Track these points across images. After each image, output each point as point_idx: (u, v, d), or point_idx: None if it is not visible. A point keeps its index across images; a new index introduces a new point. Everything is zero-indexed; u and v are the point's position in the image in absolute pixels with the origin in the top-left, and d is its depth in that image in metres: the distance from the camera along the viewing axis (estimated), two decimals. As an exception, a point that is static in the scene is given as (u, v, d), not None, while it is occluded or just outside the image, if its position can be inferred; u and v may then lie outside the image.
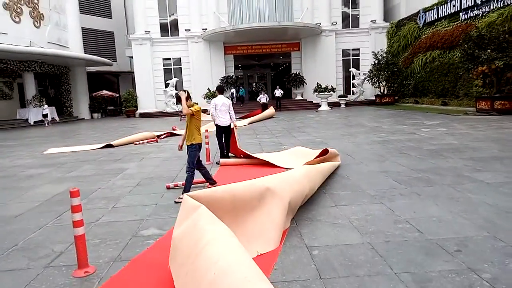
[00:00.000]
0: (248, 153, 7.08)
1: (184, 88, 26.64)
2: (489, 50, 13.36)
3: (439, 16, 20.70)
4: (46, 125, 21.28)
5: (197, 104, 5.21)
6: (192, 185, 4.95)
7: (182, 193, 4.48)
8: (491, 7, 16.33)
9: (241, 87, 27.94)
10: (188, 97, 4.90)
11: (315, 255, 3.00)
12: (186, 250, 2.61)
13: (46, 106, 21.93)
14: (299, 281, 2.60)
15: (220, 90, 7.61)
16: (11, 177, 6.91)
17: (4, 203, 5.09)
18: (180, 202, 4.28)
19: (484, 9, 16.89)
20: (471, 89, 17.58)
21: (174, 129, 13.22)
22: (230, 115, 7.26)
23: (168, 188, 5.43)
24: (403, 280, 2.54)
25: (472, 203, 4.06)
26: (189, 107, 4.83)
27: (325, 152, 5.75)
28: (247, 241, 3.05)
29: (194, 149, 4.91)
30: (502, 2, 15.63)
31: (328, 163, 5.38)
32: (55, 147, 10.93)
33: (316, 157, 5.83)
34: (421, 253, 2.94)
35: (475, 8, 17.54)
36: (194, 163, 4.91)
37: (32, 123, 22.05)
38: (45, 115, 21.54)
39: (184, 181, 4.89)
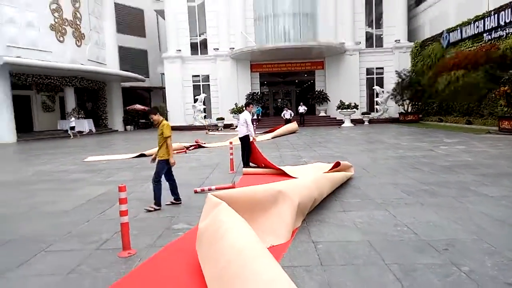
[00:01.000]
0: (270, 162, 7.67)
1: (212, 103, 27.82)
2: (511, 71, 13.42)
3: (463, 37, 20.81)
4: (72, 137, 21.82)
5: (165, 120, 5.41)
6: (219, 189, 5.55)
7: (154, 203, 5.10)
8: (516, 28, 16.37)
9: (258, 106, 27.02)
10: (157, 112, 5.32)
11: (319, 248, 3.51)
12: (209, 237, 3.20)
13: (73, 118, 22.66)
14: (303, 266, 3.13)
15: (246, 105, 8.52)
16: (58, 181, 7.80)
17: (55, 201, 5.89)
18: (150, 210, 5.02)
19: (508, 30, 16.92)
20: (496, 109, 17.47)
21: (196, 142, 14.01)
22: (248, 128, 8.01)
23: (195, 192, 6.08)
24: (392, 269, 3.01)
25: (469, 212, 4.44)
26: (157, 122, 5.22)
27: (337, 164, 6.24)
28: (261, 235, 3.60)
29: (160, 164, 5.21)
30: (526, 23, 15.67)
31: (339, 173, 5.87)
32: (94, 156, 11.93)
33: (330, 169, 6.32)
34: (413, 250, 3.39)
35: (499, 29, 17.60)
36: (158, 176, 5.17)
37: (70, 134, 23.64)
38: (72, 127, 22.17)
39: (210, 186, 5.50)
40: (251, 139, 8.12)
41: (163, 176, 5.29)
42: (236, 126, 24.88)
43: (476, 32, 19.76)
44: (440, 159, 8.67)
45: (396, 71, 25.31)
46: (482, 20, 19.17)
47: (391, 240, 3.63)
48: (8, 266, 3.34)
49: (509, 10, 16.86)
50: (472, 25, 20.02)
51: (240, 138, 8.17)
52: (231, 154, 8.25)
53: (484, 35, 19.10)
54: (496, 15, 17.93)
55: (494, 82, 14.50)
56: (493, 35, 18.38)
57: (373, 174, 7.13)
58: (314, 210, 4.65)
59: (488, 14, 18.68)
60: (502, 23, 17.53)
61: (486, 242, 3.48)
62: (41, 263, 3.39)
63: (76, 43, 24.41)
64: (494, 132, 14.80)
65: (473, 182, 6.06)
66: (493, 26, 18.21)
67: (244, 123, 8.09)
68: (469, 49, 20.38)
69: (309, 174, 6.62)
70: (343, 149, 11.53)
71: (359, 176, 6.91)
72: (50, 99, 26.57)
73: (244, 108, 8.63)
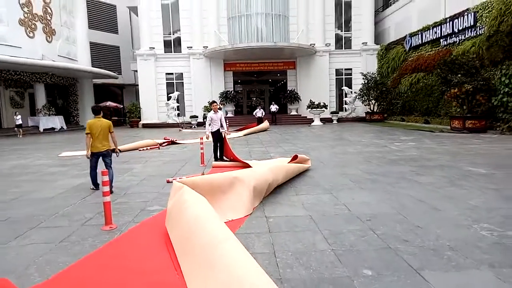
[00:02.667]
0: (236, 156, 8.42)
1: (186, 101, 28.13)
2: (459, 75, 14.83)
3: (423, 41, 22.35)
4: (19, 136, 20.35)
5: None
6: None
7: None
8: (466, 36, 17.92)
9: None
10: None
11: (270, 221, 4.30)
12: (174, 214, 3.94)
13: (19, 116, 20.87)
14: (255, 233, 3.90)
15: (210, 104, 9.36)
16: (37, 173, 8.21)
17: (38, 190, 6.39)
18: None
19: (460, 37, 18.49)
20: (451, 109, 19.02)
21: (165, 139, 14.51)
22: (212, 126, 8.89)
23: (168, 182, 6.73)
24: (323, 233, 3.83)
25: (398, 194, 5.37)
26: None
27: (295, 157, 7.09)
28: (221, 212, 4.35)
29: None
30: (475, 31, 17.23)
31: (294, 164, 6.71)
32: (68, 151, 12.25)
33: (289, 162, 7.15)
34: (343, 221, 4.24)
35: (453, 35, 19.16)
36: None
37: (42, 130, 23.44)
38: (18, 125, 20.55)
39: (180, 177, 6.18)
40: (223, 136, 8.88)
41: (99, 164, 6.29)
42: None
43: (434, 38, 21.32)
44: (391, 154, 9.72)
45: (362, 73, 26.70)
46: (439, 26, 20.71)
47: (328, 215, 4.48)
48: (8, 238, 3.92)
49: (462, 18, 18.41)
50: (431, 30, 21.57)
51: (212, 133, 8.89)
52: (202, 149, 8.94)
53: (441, 40, 20.67)
54: (451, 22, 19.47)
55: (445, 85, 15.88)
56: (448, 41, 19.96)
57: (328, 166, 8.03)
58: (270, 194, 5.44)
59: (444, 21, 20.23)
60: (456, 30, 19.09)
61: (402, 215, 4.39)
62: (35, 236, 3.99)
63: (46, 39, 24.18)
64: (446, 131, 16.23)
65: (410, 172, 7.06)
66: (449, 32, 19.76)
67: (209, 121, 8.89)
68: (428, 53, 21.98)
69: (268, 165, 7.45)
70: (308, 145, 12.46)
71: (315, 168, 7.78)
72: (19, 95, 26.11)
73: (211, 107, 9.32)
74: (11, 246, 3.72)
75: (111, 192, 5.66)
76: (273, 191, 5.60)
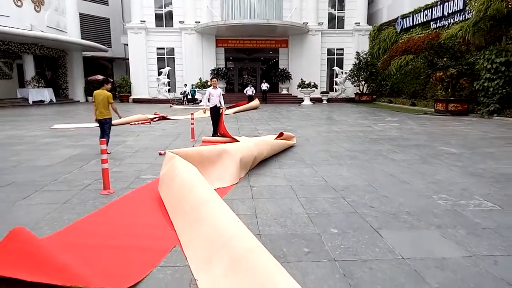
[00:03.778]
0: (227, 132, 8.83)
1: (177, 77, 28.16)
2: (445, 59, 15.25)
3: (414, 24, 22.61)
4: None
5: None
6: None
7: None
8: (455, 20, 18.25)
9: (193, 86, 26.61)
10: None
11: (254, 189, 4.76)
12: (167, 180, 4.36)
13: None
14: (239, 199, 4.36)
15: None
16: (32, 143, 8.50)
17: (36, 158, 6.72)
18: None
19: (449, 21, 18.80)
20: (437, 92, 19.55)
21: (156, 114, 14.86)
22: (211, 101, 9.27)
23: (160, 154, 7.11)
24: (300, 200, 4.31)
25: (373, 169, 5.87)
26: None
27: (281, 134, 7.53)
28: (209, 181, 4.77)
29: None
30: (464, 15, 17.55)
31: (279, 140, 7.16)
32: (61, 124, 12.46)
33: (275, 138, 7.57)
34: (319, 190, 4.72)
35: (443, 19, 19.45)
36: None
37: (31, 102, 23.33)
38: None
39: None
40: (221, 112, 9.28)
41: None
42: (200, 101, 25.72)
43: (425, 20, 21.57)
44: (373, 133, 10.22)
45: (357, 52, 26.90)
46: (430, 9, 20.95)
47: (306, 185, 4.95)
48: (15, 199, 4.31)
49: (452, 1, 18.66)
50: (422, 13, 21.79)
51: (210, 108, 9.34)
52: (192, 124, 9.30)
53: (431, 23, 20.95)
54: (441, 5, 19.72)
55: (431, 68, 16.31)
56: (438, 24, 20.26)
57: (313, 143, 8.49)
58: (256, 167, 5.89)
59: (435, 4, 20.44)
60: (446, 13, 19.37)
61: (372, 186, 4.89)
62: (40, 198, 4.38)
63: (35, 8, 23.69)
64: (430, 113, 16.80)
65: (387, 150, 7.57)
66: (439, 15, 20.04)
67: (207, 96, 9.29)
68: (418, 35, 22.28)
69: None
70: (295, 123, 12.89)
71: (300, 145, 8.24)
72: (7, 66, 25.72)
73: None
74: (21, 205, 4.11)
75: (108, 153, 6.56)
76: (259, 164, 6.04)
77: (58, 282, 2.35)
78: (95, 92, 7.12)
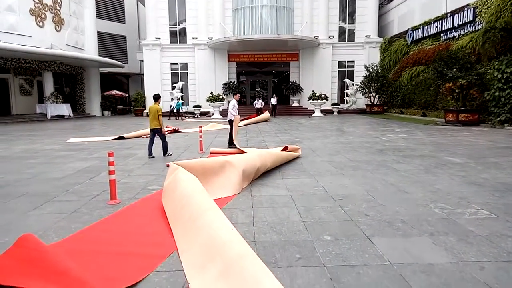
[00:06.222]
0: (237, 145, 9.05)
1: (190, 91, 28.75)
2: (454, 69, 15.20)
3: (424, 35, 22.62)
4: None
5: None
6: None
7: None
8: (465, 31, 18.20)
9: (178, 100, 25.49)
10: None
11: (254, 199, 4.90)
12: (169, 190, 4.56)
13: None
14: (239, 208, 4.50)
15: (233, 95, 10.77)
16: (47, 156, 8.88)
17: (49, 171, 7.04)
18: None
19: (460, 32, 18.76)
20: (448, 103, 19.39)
21: (168, 127, 15.17)
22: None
23: (168, 166, 7.29)
24: (298, 209, 4.42)
25: (374, 179, 5.93)
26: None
27: (286, 148, 7.71)
28: (211, 191, 4.95)
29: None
30: (474, 27, 17.50)
31: (284, 152, 7.30)
32: (76, 138, 12.93)
33: (281, 151, 7.73)
34: (318, 199, 4.82)
35: (453, 30, 19.42)
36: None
37: (49, 117, 24.19)
38: None
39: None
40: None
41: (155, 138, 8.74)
42: (212, 114, 26.13)
43: (435, 32, 21.58)
44: (380, 144, 10.25)
45: (364, 65, 27.01)
46: (440, 21, 20.97)
47: (306, 195, 5.06)
48: (27, 209, 4.57)
49: (462, 13, 18.66)
50: (432, 24, 21.83)
51: (228, 121, 9.98)
52: (200, 137, 9.55)
53: (442, 34, 20.94)
54: (451, 17, 19.73)
55: (441, 79, 16.26)
56: (448, 35, 20.23)
57: (318, 154, 8.59)
58: (259, 178, 6.04)
59: (445, 16, 20.46)
60: (456, 25, 19.36)
61: (371, 196, 4.96)
62: (50, 207, 4.63)
63: (55, 28, 24.76)
64: (440, 123, 16.66)
65: (392, 160, 7.61)
66: (449, 27, 20.02)
67: (234, 107, 9.94)
68: (429, 47, 22.26)
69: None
70: (303, 135, 13.01)
71: (306, 156, 8.36)
72: (28, 82, 26.81)
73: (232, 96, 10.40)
74: (31, 214, 4.37)
75: (169, 155, 8.75)
76: (262, 175, 6.19)
77: (59, 288, 2.53)
78: (150, 106, 8.60)
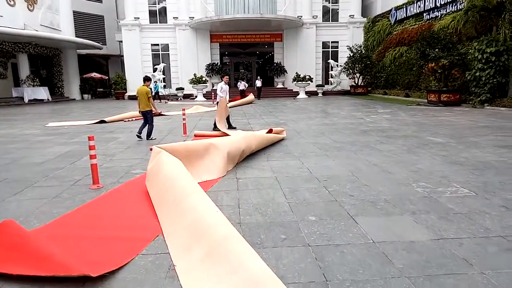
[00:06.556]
0: (219, 127, 8.96)
1: (172, 73, 28.18)
2: (437, 49, 15.34)
3: (407, 15, 22.66)
4: None
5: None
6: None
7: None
8: (448, 10, 18.30)
9: (155, 83, 24.95)
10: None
11: (240, 181, 4.89)
12: (153, 174, 4.50)
13: None
14: (224, 191, 4.49)
15: (222, 77, 10.82)
16: (26, 141, 8.61)
17: (29, 156, 6.84)
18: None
19: (442, 12, 18.85)
20: (430, 83, 19.65)
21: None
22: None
23: (151, 149, 7.17)
24: (283, 190, 4.44)
25: (358, 160, 6.01)
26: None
27: (270, 131, 7.68)
28: (196, 174, 4.91)
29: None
30: (456, 6, 17.61)
31: (268, 134, 7.29)
32: (55, 122, 12.56)
33: (266, 133, 7.70)
34: (303, 181, 4.85)
35: (436, 10, 19.50)
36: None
37: (27, 101, 23.38)
38: None
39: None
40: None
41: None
42: (196, 96, 25.78)
43: (418, 12, 21.63)
44: (364, 125, 10.35)
45: (347, 46, 26.96)
46: (423, 0, 20.98)
47: (291, 176, 5.09)
48: (7, 195, 4.44)
49: (444, -8, 18.70)
50: (415, 4, 21.85)
51: (217, 103, 10.06)
52: (184, 120, 9.41)
53: (424, 14, 21.01)
54: (434, -3, 19.76)
55: (423, 59, 16.40)
56: (431, 15, 20.32)
57: (303, 136, 8.62)
58: (244, 160, 6.02)
59: (428, -5, 20.47)
60: (438, 4, 19.42)
61: (355, 176, 5.02)
62: (31, 193, 4.51)
63: (28, 8, 23.64)
64: (423, 104, 16.92)
65: (375, 141, 7.70)
66: (431, 6, 20.10)
67: (223, 90, 9.93)
68: (412, 27, 22.33)
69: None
70: (288, 117, 13.01)
71: (291, 137, 8.37)
72: (1, 65, 25.72)
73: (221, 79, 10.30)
74: (12, 200, 4.24)
75: (152, 139, 8.46)
76: (247, 158, 6.18)
77: (42, 273, 2.48)
78: (138, 88, 8.47)
